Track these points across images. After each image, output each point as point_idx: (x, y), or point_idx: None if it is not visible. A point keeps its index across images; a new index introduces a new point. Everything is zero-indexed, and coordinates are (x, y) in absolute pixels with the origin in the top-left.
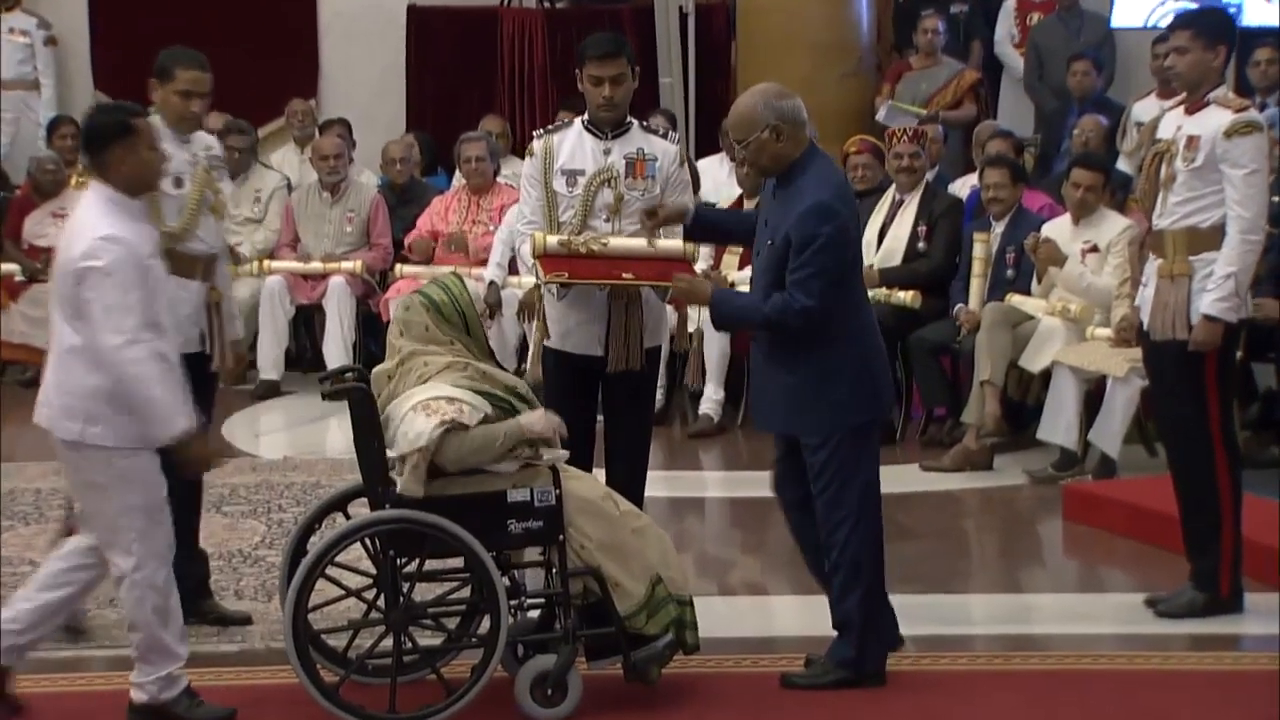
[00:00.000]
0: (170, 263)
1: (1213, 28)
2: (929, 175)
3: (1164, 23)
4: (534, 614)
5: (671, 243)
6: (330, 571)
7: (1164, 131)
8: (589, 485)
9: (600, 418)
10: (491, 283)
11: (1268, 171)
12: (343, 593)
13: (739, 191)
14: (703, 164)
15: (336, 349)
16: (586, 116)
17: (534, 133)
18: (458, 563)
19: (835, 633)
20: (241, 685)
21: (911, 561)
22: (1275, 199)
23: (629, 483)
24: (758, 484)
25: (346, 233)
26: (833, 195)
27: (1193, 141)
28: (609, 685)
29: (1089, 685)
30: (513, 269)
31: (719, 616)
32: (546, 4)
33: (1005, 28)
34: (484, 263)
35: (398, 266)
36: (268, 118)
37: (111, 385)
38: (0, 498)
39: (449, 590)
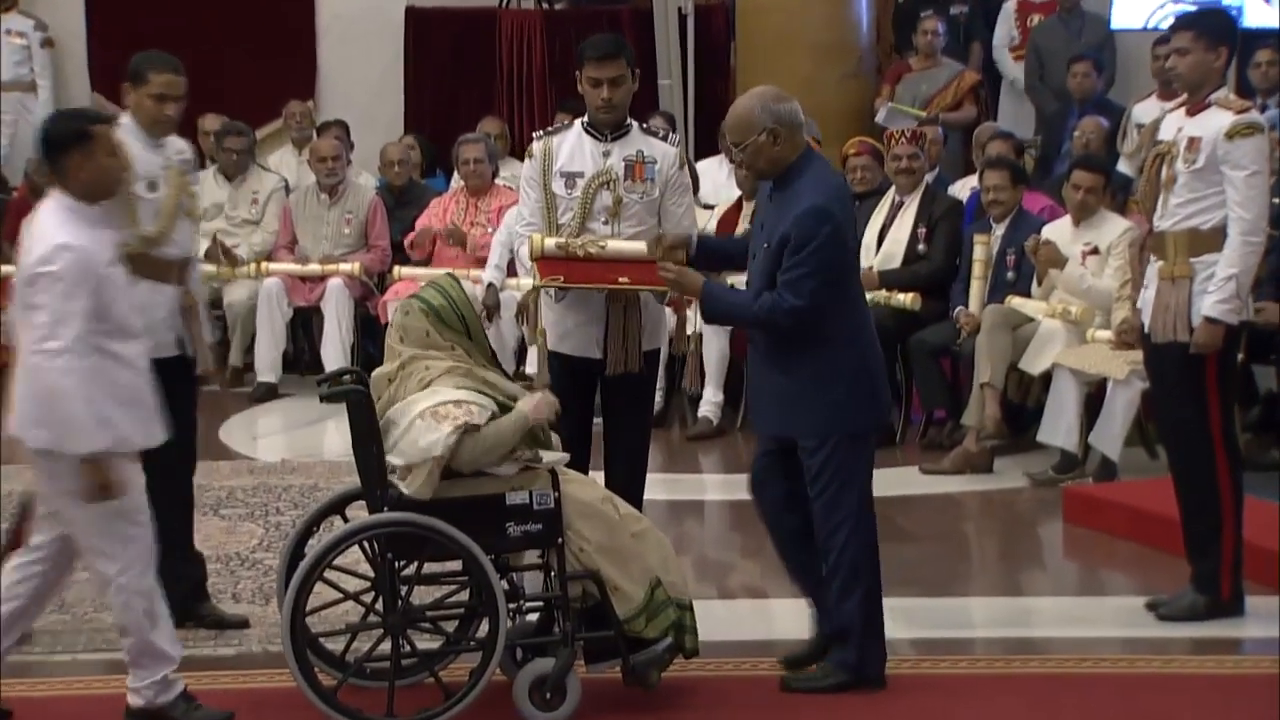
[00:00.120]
0: (145, 267)
1: (1214, 29)
2: (929, 177)
3: (1164, 24)
4: (533, 617)
5: None
6: (328, 574)
7: (1165, 133)
8: (588, 488)
9: (599, 420)
10: (490, 285)
11: (1269, 173)
12: (341, 596)
13: (738, 193)
14: (702, 166)
15: (334, 351)
16: (586, 118)
17: (533, 134)
18: (456, 566)
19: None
20: (239, 689)
21: (912, 564)
22: (1276, 201)
23: (628, 486)
24: None
25: (344, 234)
26: (829, 198)
27: (1194, 143)
28: (608, 689)
29: (1090, 688)
30: (511, 271)
31: (719, 620)
32: (545, 5)
33: (1005, 30)
34: (482, 264)
35: (396, 268)
36: (266, 119)
37: (34, 390)
38: (0, 499)
39: (447, 593)
